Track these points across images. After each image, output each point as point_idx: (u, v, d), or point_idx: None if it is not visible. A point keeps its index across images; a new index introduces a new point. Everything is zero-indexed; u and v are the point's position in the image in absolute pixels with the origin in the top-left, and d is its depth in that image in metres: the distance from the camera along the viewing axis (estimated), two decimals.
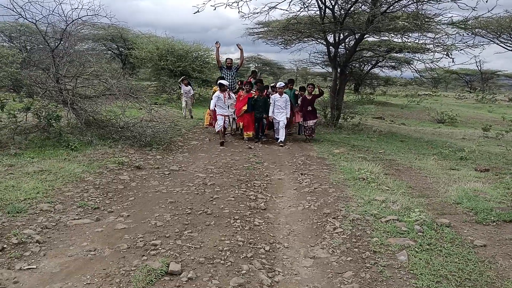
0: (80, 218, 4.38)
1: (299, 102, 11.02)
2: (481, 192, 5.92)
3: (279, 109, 10.22)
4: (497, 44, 27.16)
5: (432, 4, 11.03)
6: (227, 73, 11.39)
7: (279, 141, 10.19)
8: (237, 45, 11.46)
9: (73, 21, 8.63)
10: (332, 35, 13.29)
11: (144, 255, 3.56)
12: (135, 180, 6.05)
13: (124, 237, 3.94)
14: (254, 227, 4.45)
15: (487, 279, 3.37)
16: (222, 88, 9.94)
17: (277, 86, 10.64)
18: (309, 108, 10.61)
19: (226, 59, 11.71)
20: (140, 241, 3.84)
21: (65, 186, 5.33)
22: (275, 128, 10.66)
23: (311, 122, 10.63)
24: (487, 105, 29.13)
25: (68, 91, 8.34)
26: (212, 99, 10.29)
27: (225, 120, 9.88)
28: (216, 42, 11.15)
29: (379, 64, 21.81)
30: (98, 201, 4.98)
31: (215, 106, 9.79)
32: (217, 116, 9.79)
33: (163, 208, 4.86)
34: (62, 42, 8.67)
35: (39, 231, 3.94)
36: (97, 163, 6.54)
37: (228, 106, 10.21)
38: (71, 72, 8.74)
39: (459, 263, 3.61)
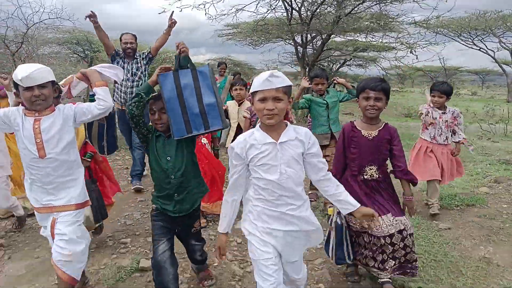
0: None
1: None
2: None
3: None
4: (459, 42, 28.31)
5: (394, 5, 11.39)
6: (125, 67, 5.37)
7: None
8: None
9: (34, 24, 8.41)
10: (300, 36, 13.46)
11: (113, 253, 3.50)
12: None
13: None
14: None
15: (451, 259, 3.49)
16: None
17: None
18: (375, 173, 2.88)
19: (122, 34, 5.54)
20: (109, 240, 3.79)
21: None
22: None
23: (393, 220, 2.81)
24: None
25: None
26: None
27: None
28: (91, 16, 4.93)
29: (347, 63, 22.20)
30: None
31: None
32: None
33: (133, 206, 4.79)
34: (23, 45, 8.43)
35: None
36: None
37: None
38: None
39: (425, 246, 3.72)
